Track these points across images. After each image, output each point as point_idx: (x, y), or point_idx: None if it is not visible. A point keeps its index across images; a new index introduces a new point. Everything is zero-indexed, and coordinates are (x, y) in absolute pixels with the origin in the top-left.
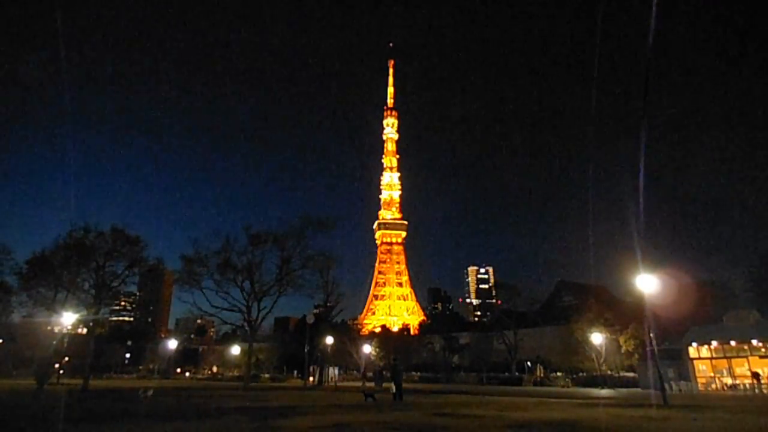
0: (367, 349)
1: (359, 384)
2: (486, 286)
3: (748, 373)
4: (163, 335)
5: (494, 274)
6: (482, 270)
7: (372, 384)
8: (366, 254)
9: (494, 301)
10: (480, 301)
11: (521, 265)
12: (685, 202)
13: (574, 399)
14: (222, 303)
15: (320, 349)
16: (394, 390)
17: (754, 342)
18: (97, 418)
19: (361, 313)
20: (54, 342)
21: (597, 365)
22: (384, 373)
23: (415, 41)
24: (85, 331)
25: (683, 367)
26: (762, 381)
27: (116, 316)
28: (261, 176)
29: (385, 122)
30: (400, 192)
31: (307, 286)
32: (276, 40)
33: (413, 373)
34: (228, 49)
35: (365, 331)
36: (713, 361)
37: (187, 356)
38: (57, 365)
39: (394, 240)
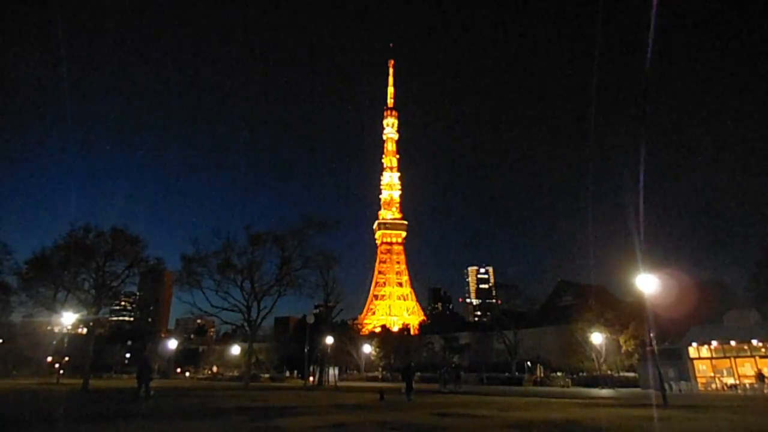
0: (367, 349)
1: (360, 384)
2: (486, 286)
3: (749, 373)
4: (163, 335)
5: (494, 274)
6: (482, 270)
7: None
8: (366, 254)
9: (494, 301)
10: (480, 301)
11: (521, 265)
12: (685, 201)
13: (574, 399)
14: (222, 303)
15: (320, 349)
16: (405, 390)
17: (755, 342)
18: (97, 418)
19: (361, 313)
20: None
21: (597, 365)
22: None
23: (415, 41)
24: (85, 331)
25: (683, 367)
26: (766, 382)
27: (116, 316)
28: (261, 176)
29: (385, 122)
30: (400, 192)
31: (307, 286)
32: (276, 40)
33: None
34: (228, 48)
35: (365, 331)
36: (713, 361)
37: (187, 356)
38: (57, 365)
39: (394, 240)
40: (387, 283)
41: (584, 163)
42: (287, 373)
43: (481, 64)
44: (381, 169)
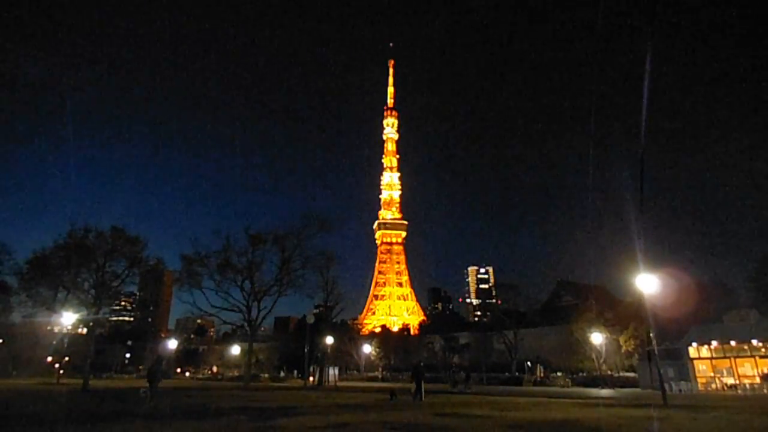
0: (367, 349)
1: (361, 384)
2: (486, 286)
3: (749, 373)
4: (163, 335)
5: (494, 274)
6: (482, 270)
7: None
8: (366, 254)
9: (494, 301)
10: (480, 301)
11: (521, 265)
12: (685, 202)
13: (574, 399)
14: (222, 303)
15: (320, 349)
16: (414, 390)
17: (755, 342)
18: (97, 418)
19: (361, 313)
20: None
21: (597, 365)
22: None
23: (415, 41)
24: (85, 331)
25: (683, 367)
26: None
27: (116, 316)
28: (261, 176)
29: (385, 122)
30: (400, 192)
31: (307, 286)
32: (276, 40)
33: None
34: (228, 48)
35: (365, 331)
36: (713, 361)
37: (187, 356)
38: (57, 365)
39: (394, 240)
40: (387, 283)
41: (584, 163)
42: (283, 373)
43: (481, 63)
44: (381, 169)
